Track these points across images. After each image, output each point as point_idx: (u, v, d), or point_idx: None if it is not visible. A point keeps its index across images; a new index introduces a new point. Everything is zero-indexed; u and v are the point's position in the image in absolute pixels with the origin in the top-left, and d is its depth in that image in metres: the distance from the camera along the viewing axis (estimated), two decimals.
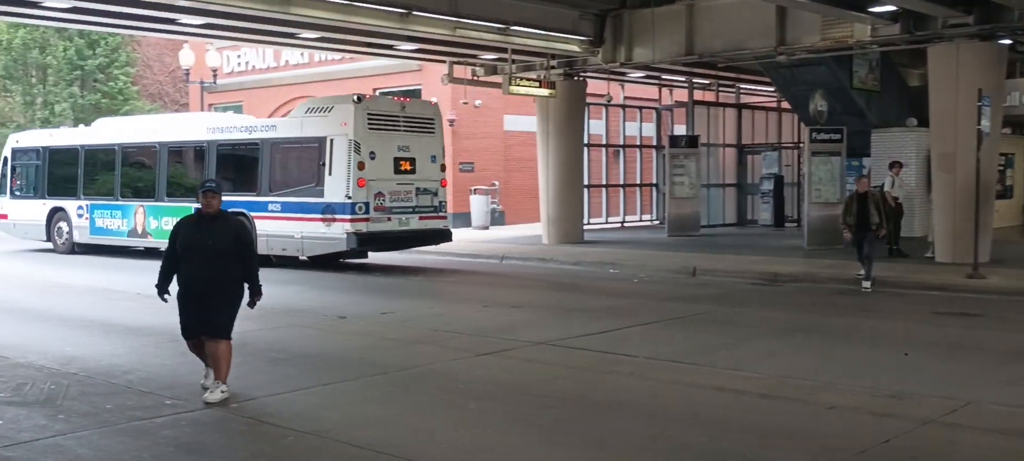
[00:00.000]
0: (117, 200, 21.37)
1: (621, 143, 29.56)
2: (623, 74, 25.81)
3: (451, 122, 28.11)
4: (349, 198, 17.17)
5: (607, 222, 28.36)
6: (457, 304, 13.38)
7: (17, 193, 23.62)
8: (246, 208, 18.29)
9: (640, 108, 29.69)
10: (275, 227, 18.25)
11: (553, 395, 7.90)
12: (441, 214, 18.92)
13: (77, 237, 22.14)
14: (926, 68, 18.14)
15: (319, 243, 17.74)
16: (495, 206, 28.77)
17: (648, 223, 29.52)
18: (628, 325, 11.41)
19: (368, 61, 28.29)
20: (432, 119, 19.01)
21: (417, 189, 18.19)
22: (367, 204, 17.31)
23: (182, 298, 7.71)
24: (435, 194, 18.69)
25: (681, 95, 29.29)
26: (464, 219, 28.12)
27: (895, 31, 17.16)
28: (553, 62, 22.09)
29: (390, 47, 21.90)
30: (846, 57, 21.16)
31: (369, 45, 21.87)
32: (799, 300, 13.78)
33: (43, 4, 16.40)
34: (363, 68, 29.54)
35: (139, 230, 20.89)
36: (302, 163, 18.50)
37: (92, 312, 12.70)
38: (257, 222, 18.31)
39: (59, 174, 22.82)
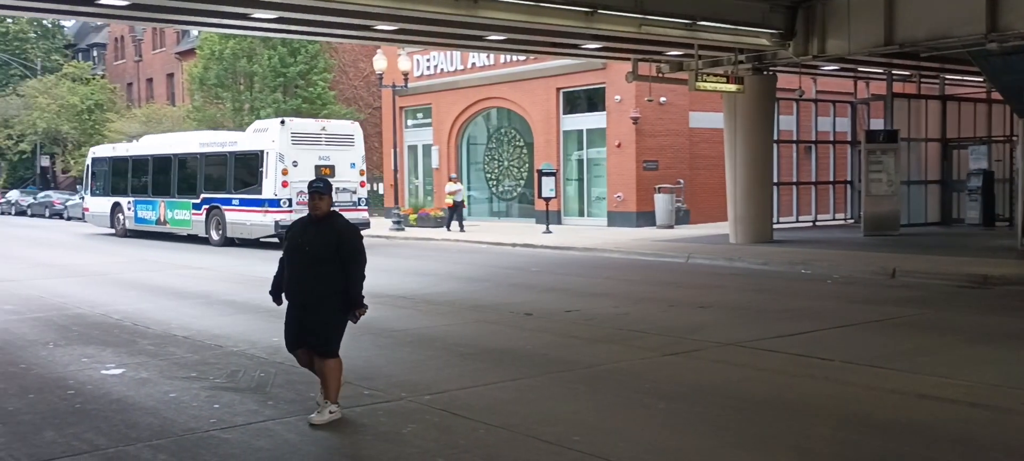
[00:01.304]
0: (150, 197, 28.70)
1: (813, 139, 28.47)
2: (815, 67, 24.84)
3: (635, 120, 27.97)
4: (276, 195, 23.64)
5: (797, 221, 27.39)
6: (641, 303, 13.27)
7: (95, 192, 31.85)
8: (220, 204, 25.42)
9: (834, 102, 28.51)
10: (236, 217, 24.97)
11: (744, 397, 7.69)
12: (360, 208, 24.73)
13: (128, 225, 29.68)
14: None
15: (260, 228, 24.15)
16: (680, 205, 28.38)
17: (842, 222, 28.32)
18: (822, 328, 10.97)
19: (552, 61, 28.57)
20: (351, 136, 25.23)
21: (337, 188, 22.26)
22: (290, 199, 23.46)
23: (287, 307, 7.11)
24: (354, 192, 24.75)
25: (878, 87, 27.89)
26: (648, 218, 27.89)
27: None
28: (741, 57, 21.52)
29: (575, 46, 21.98)
30: None
31: (554, 45, 22.05)
32: (1012, 304, 12.81)
33: (251, 15, 17.47)
34: (547, 68, 29.85)
35: (162, 219, 28.08)
36: (250, 169, 24.72)
37: None
38: (227, 213, 25.27)
39: (118, 178, 30.60)
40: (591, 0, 16.68)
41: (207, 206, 25.93)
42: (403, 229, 29.85)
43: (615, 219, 28.76)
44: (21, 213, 50.01)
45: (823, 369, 8.79)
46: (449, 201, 29.34)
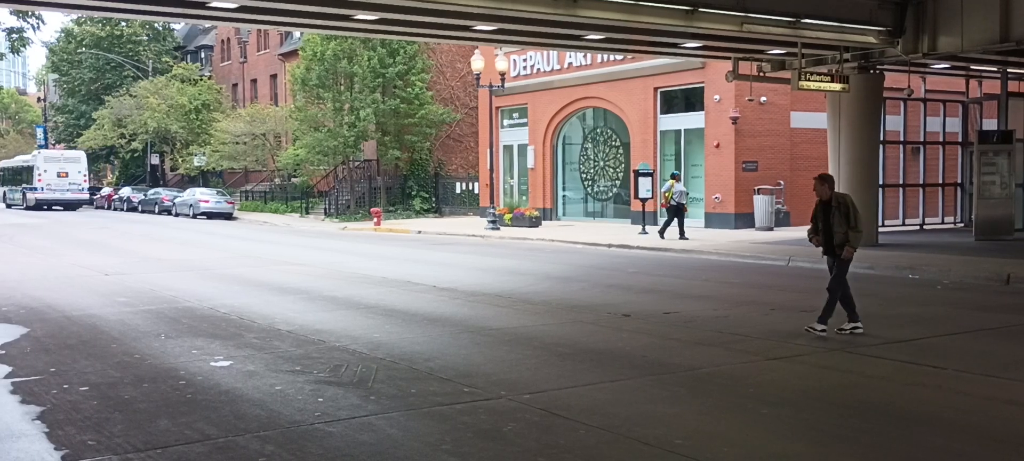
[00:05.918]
0: (11, 188, 59.36)
1: (921, 139, 27.55)
2: (925, 66, 24.01)
3: (734, 120, 27.51)
4: (36, 186, 53.36)
5: (904, 224, 26.58)
6: (742, 306, 13.03)
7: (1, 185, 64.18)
8: (25, 190, 55.58)
9: (943, 102, 27.56)
10: (29, 195, 54.33)
11: (851, 404, 7.47)
12: (82, 192, 54.61)
13: (6, 204, 58.53)
14: None
15: (33, 201, 53.45)
16: (780, 206, 27.79)
17: (951, 226, 27.35)
18: (931, 335, 10.60)
19: (650, 60, 28.33)
20: (79, 158, 55.43)
21: (69, 184, 53.61)
22: (43, 188, 53.13)
23: None
24: (80, 185, 54.30)
25: (992, 86, 26.83)
26: (746, 220, 27.41)
27: None
28: (846, 55, 20.96)
29: (674, 45, 21.74)
30: None
31: (653, 44, 21.86)
32: None
33: (354, 17, 17.80)
34: (645, 67, 29.62)
35: (12, 198, 58.55)
36: (31, 173, 54.26)
37: (395, 302, 13.62)
38: (26, 194, 55.07)
39: (6, 177, 62.00)
40: None
41: (23, 191, 55.27)
42: (498, 228, 30.01)
43: (712, 220, 28.34)
44: (132, 209, 52.28)
45: (935, 377, 8.49)
46: (663, 200, 26.11)
